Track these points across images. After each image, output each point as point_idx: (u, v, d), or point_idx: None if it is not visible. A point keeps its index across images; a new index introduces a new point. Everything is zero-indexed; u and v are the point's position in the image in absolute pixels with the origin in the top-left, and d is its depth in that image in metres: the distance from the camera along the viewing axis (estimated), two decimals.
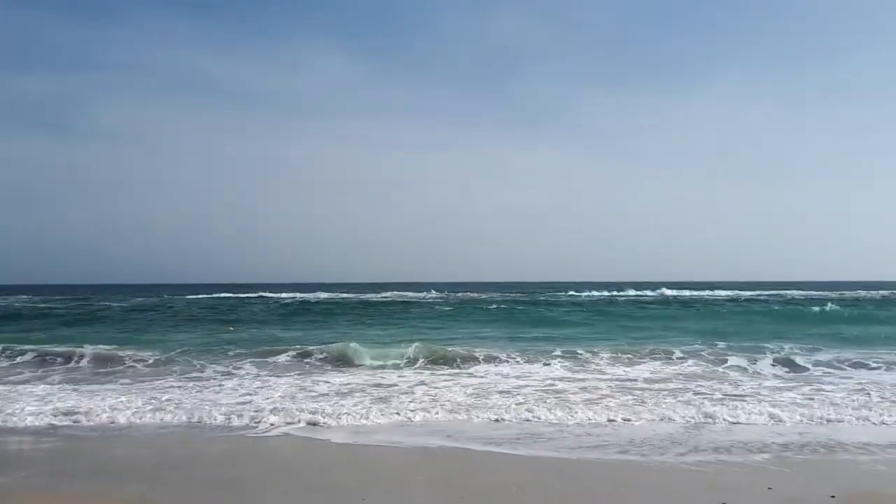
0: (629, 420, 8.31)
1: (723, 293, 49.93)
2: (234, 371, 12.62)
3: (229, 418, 8.36)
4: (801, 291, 53.97)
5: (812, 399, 9.47)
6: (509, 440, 7.39)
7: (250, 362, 13.59)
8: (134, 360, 13.78)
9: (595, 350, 14.71)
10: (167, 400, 9.48)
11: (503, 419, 8.40)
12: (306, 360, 13.97)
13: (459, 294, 50.47)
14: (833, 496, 5.39)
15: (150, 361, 13.73)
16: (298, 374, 12.24)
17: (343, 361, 13.74)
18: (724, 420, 8.25)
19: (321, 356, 14.21)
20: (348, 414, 8.49)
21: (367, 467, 6.48)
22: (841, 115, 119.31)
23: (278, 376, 11.97)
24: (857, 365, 13.06)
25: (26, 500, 5.52)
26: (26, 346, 15.13)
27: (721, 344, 15.89)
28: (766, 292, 51.67)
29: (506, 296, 47.22)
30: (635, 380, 11.41)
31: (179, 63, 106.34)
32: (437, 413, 8.64)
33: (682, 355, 14.24)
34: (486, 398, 9.64)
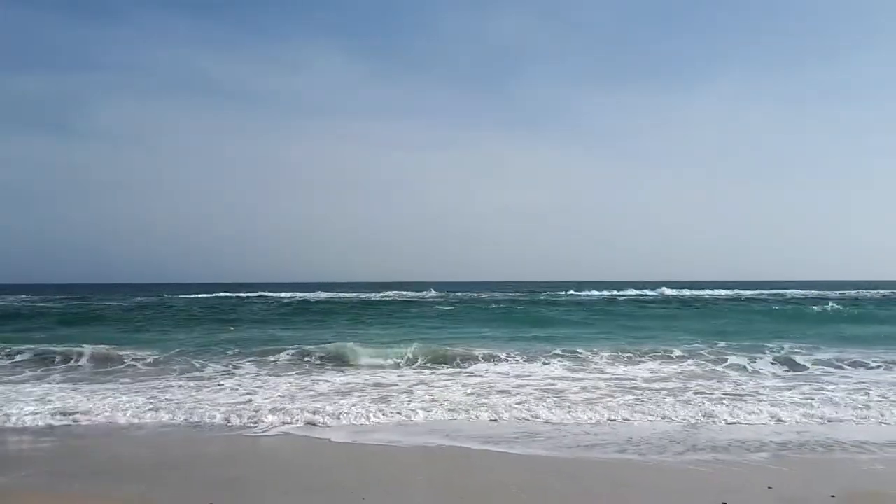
0: (628, 420, 8.31)
1: (723, 293, 49.95)
2: (233, 370, 12.63)
3: (229, 418, 8.37)
4: (800, 291, 53.97)
5: (811, 398, 9.46)
6: (508, 439, 7.40)
7: (250, 362, 13.60)
8: (133, 360, 13.78)
9: (595, 349, 14.71)
10: (167, 399, 9.48)
11: (502, 418, 8.40)
12: (306, 360, 13.97)
13: (459, 293, 50.48)
14: (833, 496, 5.39)
15: (150, 361, 13.73)
16: (298, 374, 12.25)
17: (343, 361, 13.74)
18: (724, 419, 8.25)
19: (321, 356, 14.20)
20: (348, 413, 8.49)
21: (367, 467, 6.48)
22: (841, 115, 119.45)
23: (278, 376, 11.98)
24: (856, 364, 13.06)
25: (26, 499, 5.52)
26: (26, 346, 15.14)
27: (721, 343, 15.89)
28: (766, 292, 51.69)
29: (505, 295, 47.24)
30: (634, 379, 11.42)
31: (179, 63, 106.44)
32: (436, 412, 8.64)
33: (681, 354, 14.24)
34: (486, 397, 9.64)
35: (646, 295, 47.00)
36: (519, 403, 9.11)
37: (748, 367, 12.95)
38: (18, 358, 14.16)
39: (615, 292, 49.84)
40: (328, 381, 11.26)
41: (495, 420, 8.35)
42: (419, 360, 13.77)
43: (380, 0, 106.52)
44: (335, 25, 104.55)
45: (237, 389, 10.45)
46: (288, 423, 8.16)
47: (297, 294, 49.54)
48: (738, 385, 10.83)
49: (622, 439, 7.37)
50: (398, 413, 8.58)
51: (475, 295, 48.04)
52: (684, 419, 8.29)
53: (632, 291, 50.53)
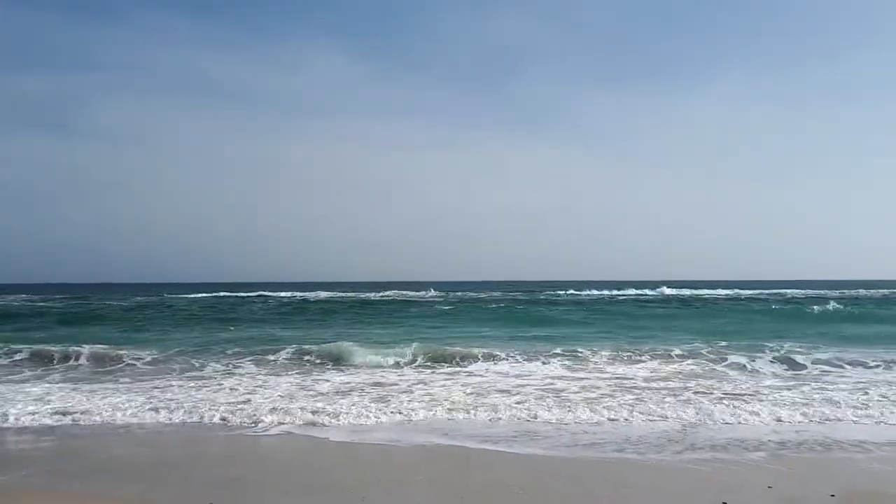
0: (628, 419, 8.31)
1: (723, 292, 49.96)
2: (233, 370, 12.63)
3: (229, 417, 8.37)
4: (800, 291, 53.98)
5: (811, 398, 9.47)
6: (508, 438, 7.40)
7: (250, 361, 13.61)
8: (133, 359, 13.79)
9: (595, 349, 14.71)
10: (167, 399, 9.48)
11: (502, 418, 8.40)
12: (306, 359, 13.97)
13: (459, 293, 50.49)
14: (833, 495, 5.39)
15: (150, 360, 13.74)
16: (298, 373, 12.25)
17: (342, 360, 13.74)
18: (723, 418, 8.25)
19: (321, 355, 14.20)
20: (348, 413, 8.49)
21: (366, 466, 6.49)
22: (841, 115, 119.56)
23: (278, 375, 11.98)
24: (856, 363, 13.06)
25: (26, 499, 5.52)
26: (25, 345, 15.14)
27: (721, 343, 15.88)
28: (766, 291, 51.69)
29: (505, 295, 47.23)
30: (634, 378, 11.42)
31: (179, 63, 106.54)
32: (436, 412, 8.64)
33: (681, 354, 14.25)
34: (486, 397, 9.65)
35: (645, 294, 47.01)
36: (519, 403, 9.11)
37: (748, 366, 12.95)
38: (18, 357, 14.18)
39: (615, 292, 49.86)
40: (328, 381, 11.26)
41: (495, 419, 8.35)
42: (419, 360, 13.78)
43: (380, 0, 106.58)
44: (335, 25, 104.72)
45: (237, 389, 10.45)
46: (288, 423, 8.16)
47: (297, 294, 49.56)
48: (737, 384, 10.83)
49: (622, 438, 7.37)
50: (398, 412, 8.59)
51: (475, 294, 48.04)
52: (683, 418, 8.29)
53: (632, 291, 50.55)
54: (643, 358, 13.80)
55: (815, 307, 29.00)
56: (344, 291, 54.42)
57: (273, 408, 8.76)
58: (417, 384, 10.87)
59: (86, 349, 14.52)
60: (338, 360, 13.75)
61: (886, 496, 5.61)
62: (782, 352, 14.46)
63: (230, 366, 13.04)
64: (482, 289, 63.56)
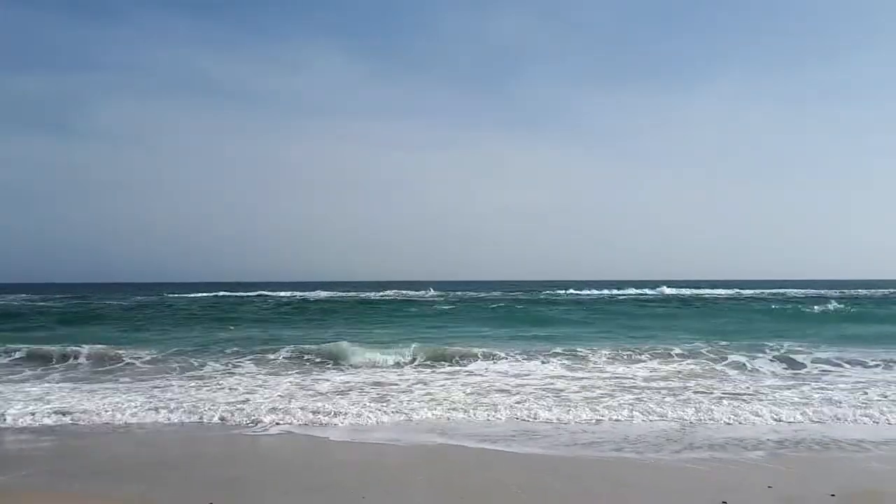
0: (628, 419, 8.31)
1: (723, 292, 49.97)
2: (233, 369, 12.63)
3: (228, 417, 8.37)
4: (800, 290, 53.98)
5: (810, 397, 9.47)
6: (508, 438, 7.40)
7: (250, 361, 13.61)
8: (133, 359, 13.78)
9: (594, 348, 14.71)
10: (167, 399, 9.48)
11: (502, 417, 8.40)
12: (306, 359, 13.97)
13: (459, 292, 50.50)
14: (833, 494, 5.39)
15: (150, 360, 13.74)
16: (298, 373, 12.25)
17: (342, 360, 13.74)
18: (722, 418, 8.25)
19: (320, 355, 14.20)
20: (347, 413, 8.49)
21: (366, 466, 6.48)
22: (841, 115, 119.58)
23: (277, 375, 11.98)
24: (855, 363, 13.06)
25: (26, 499, 5.52)
26: (25, 345, 15.13)
27: (720, 342, 15.88)
28: (766, 291, 51.70)
29: (505, 294, 47.23)
30: (634, 378, 11.42)
31: (179, 63, 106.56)
32: (436, 411, 8.64)
33: (681, 353, 14.25)
34: (486, 396, 9.65)
35: (645, 294, 47.04)
36: (518, 402, 9.11)
37: (748, 365, 12.95)
38: (18, 356, 14.18)
39: (615, 291, 49.87)
40: (328, 381, 11.26)
41: (495, 419, 8.35)
42: (419, 359, 13.78)
43: (380, 0, 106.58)
44: (335, 25, 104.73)
45: (237, 389, 10.45)
46: (287, 423, 8.16)
47: (297, 293, 49.59)
48: (737, 384, 10.83)
49: (621, 438, 7.37)
50: (398, 412, 8.59)
51: (475, 294, 48.05)
52: (683, 418, 8.29)
53: (632, 291, 50.57)
54: (643, 357, 13.81)
55: (815, 307, 29.03)
56: (344, 291, 54.43)
57: (273, 407, 8.76)
58: (417, 384, 10.87)
59: (85, 349, 14.52)
60: (338, 360, 13.75)
61: (886, 495, 5.61)
62: (782, 351, 14.47)
63: (230, 365, 13.04)
64: (482, 288, 63.58)
